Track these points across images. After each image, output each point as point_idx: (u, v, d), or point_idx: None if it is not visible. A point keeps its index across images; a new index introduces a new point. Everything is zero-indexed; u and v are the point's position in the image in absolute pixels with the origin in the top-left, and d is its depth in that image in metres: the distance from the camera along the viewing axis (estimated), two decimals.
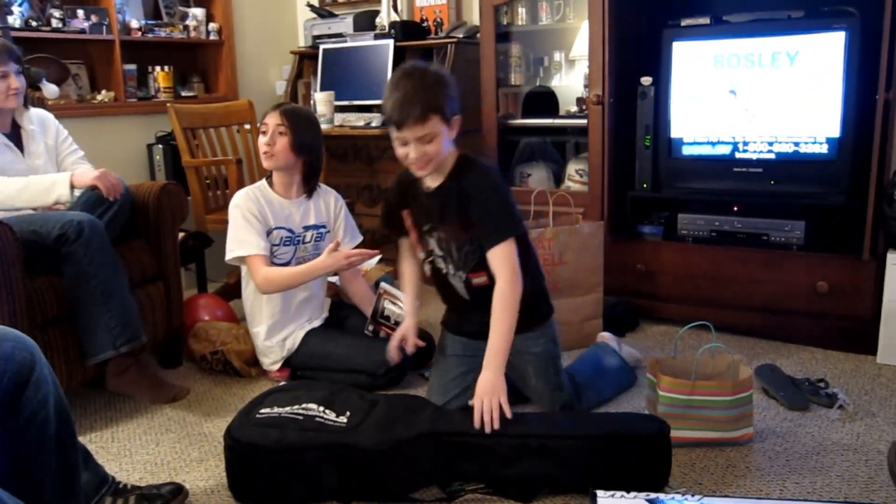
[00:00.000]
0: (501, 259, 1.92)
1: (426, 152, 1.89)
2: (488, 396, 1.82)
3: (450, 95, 1.91)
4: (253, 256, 2.47)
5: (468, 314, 2.14)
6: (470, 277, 2.07)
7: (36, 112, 2.57)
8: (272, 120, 2.48)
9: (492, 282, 2.00)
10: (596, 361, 2.40)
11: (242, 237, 2.48)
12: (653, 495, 1.60)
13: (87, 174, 2.34)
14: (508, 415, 1.80)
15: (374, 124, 3.57)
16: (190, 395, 2.46)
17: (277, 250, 2.55)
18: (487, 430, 1.77)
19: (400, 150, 1.92)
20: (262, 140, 2.49)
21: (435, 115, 1.87)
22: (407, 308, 2.27)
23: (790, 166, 2.77)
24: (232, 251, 2.50)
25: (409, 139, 1.88)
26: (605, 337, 2.59)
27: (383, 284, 2.62)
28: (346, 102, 3.83)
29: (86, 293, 2.18)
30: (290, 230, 2.56)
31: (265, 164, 2.52)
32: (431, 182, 2.02)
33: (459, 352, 2.19)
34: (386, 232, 2.16)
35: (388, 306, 2.58)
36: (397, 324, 2.54)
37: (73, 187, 2.32)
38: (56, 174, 2.37)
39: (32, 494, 1.22)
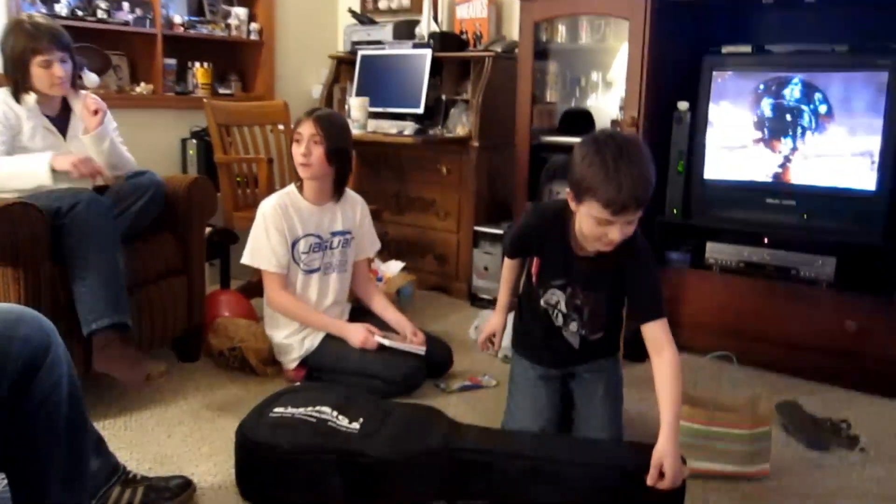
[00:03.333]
0: (663, 334, 1.88)
1: (627, 234, 1.78)
2: (677, 462, 1.70)
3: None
4: (265, 271, 2.54)
5: (566, 355, 2.12)
6: (589, 335, 2.08)
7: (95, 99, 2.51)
8: (306, 129, 2.47)
9: (606, 335, 2.08)
10: None
11: (260, 249, 2.53)
12: None
13: (67, 158, 2.25)
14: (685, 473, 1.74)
15: (406, 132, 3.57)
16: (205, 389, 2.46)
17: (307, 257, 2.56)
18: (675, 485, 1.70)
19: (598, 229, 1.77)
20: (297, 150, 2.47)
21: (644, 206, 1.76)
22: (501, 303, 2.28)
23: (825, 201, 2.73)
24: (247, 257, 2.56)
25: (618, 222, 1.74)
26: None
27: (386, 342, 2.52)
28: (380, 109, 3.83)
29: (70, 268, 2.14)
30: (318, 236, 2.58)
31: (302, 173, 2.51)
32: (589, 246, 1.92)
33: (542, 374, 2.15)
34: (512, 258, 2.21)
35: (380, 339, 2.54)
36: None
37: (53, 170, 2.23)
38: (35, 156, 2.26)
39: (39, 477, 1.22)
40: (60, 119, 2.46)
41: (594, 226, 1.77)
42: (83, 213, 2.14)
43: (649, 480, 1.68)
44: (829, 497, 1.93)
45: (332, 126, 2.51)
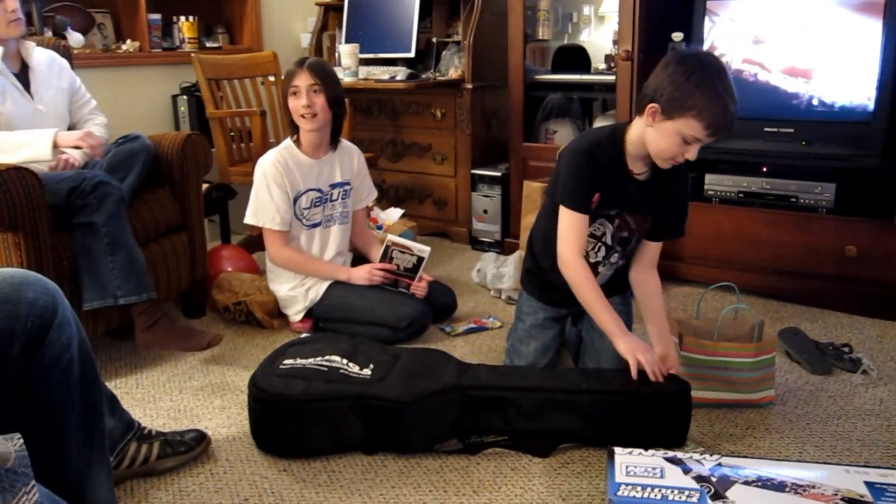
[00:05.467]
0: (658, 253, 2.06)
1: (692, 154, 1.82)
2: (658, 365, 1.84)
3: None
4: (268, 229, 2.52)
5: None
6: (622, 265, 2.11)
7: (46, 53, 2.50)
8: (303, 80, 2.42)
9: (623, 268, 2.11)
10: None
11: (263, 208, 2.51)
12: (670, 453, 1.60)
13: (71, 134, 2.30)
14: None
15: (398, 78, 3.53)
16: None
17: (309, 212, 2.56)
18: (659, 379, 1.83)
19: (678, 148, 1.79)
20: (297, 103, 2.43)
21: None
22: (613, 319, 1.92)
23: (823, 127, 2.71)
24: (250, 217, 2.55)
25: (703, 143, 1.80)
26: None
27: (389, 236, 2.60)
28: (371, 55, 3.78)
29: (93, 243, 2.16)
30: (319, 190, 2.57)
31: (306, 125, 2.47)
32: (639, 168, 1.96)
33: (551, 315, 2.19)
34: (585, 211, 1.93)
35: (398, 255, 2.57)
36: (407, 270, 2.56)
37: (55, 146, 2.27)
38: (40, 131, 2.28)
39: (57, 437, 1.24)
40: (23, 76, 2.41)
41: (677, 144, 1.79)
42: (111, 197, 2.16)
43: (654, 377, 1.80)
44: (833, 420, 1.96)
45: (327, 73, 2.48)
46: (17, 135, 2.26)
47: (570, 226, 1.93)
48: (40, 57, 2.47)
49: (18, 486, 0.87)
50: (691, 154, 1.80)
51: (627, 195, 1.96)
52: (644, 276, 2.06)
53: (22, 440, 0.88)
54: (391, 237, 2.59)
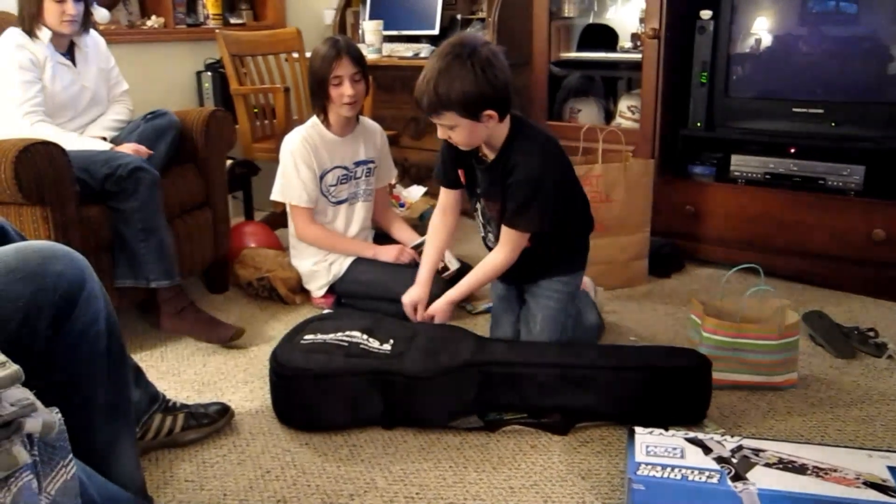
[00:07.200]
0: (511, 240, 2.00)
1: (451, 137, 1.89)
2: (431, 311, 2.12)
3: (478, 92, 1.76)
4: (295, 206, 2.54)
5: (510, 271, 2.12)
6: None
7: (91, 34, 2.57)
8: (346, 70, 2.41)
9: (532, 244, 2.05)
10: (578, 321, 2.26)
11: (290, 185, 2.52)
12: (691, 434, 1.60)
13: (127, 147, 2.35)
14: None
15: (422, 55, 3.51)
16: (235, 319, 2.50)
17: (335, 189, 2.58)
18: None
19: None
20: (343, 92, 2.42)
21: (447, 112, 1.81)
22: (421, 276, 2.22)
23: (853, 108, 2.66)
24: (277, 194, 2.57)
25: (435, 121, 1.87)
26: (585, 283, 2.38)
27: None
28: (394, 32, 3.76)
29: (126, 229, 2.20)
30: (345, 167, 2.58)
31: (347, 113, 2.48)
32: (486, 152, 1.98)
33: (501, 290, 2.25)
34: (442, 184, 2.19)
35: None
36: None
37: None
38: (99, 143, 2.36)
39: (84, 409, 1.25)
40: (69, 55, 2.49)
41: None
42: (146, 182, 2.20)
43: (419, 317, 2.13)
44: (856, 404, 1.95)
45: (362, 58, 2.49)
46: (76, 142, 2.32)
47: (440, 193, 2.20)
48: (87, 39, 2.53)
49: (56, 460, 0.89)
50: (440, 133, 1.90)
51: (476, 177, 2.04)
52: (491, 253, 2.08)
53: (61, 415, 0.89)
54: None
